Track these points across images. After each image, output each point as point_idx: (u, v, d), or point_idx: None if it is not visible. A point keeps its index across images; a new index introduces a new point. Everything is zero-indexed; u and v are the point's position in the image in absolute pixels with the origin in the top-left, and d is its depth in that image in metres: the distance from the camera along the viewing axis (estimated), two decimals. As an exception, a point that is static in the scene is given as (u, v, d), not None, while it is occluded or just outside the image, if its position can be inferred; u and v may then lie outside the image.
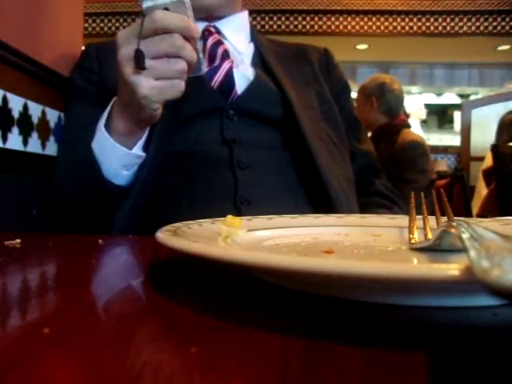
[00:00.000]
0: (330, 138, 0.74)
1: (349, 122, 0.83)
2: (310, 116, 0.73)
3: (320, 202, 0.67)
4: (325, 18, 4.17)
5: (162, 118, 0.61)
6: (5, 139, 0.65)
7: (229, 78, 0.70)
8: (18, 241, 0.39)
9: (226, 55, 0.72)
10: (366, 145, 0.86)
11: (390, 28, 4.26)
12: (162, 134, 0.64)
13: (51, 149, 0.76)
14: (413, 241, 0.33)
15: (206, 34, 0.75)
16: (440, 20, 4.28)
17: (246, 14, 0.83)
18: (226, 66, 0.70)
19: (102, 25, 4.10)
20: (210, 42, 0.74)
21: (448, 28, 4.30)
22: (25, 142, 0.69)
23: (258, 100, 0.71)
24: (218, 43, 0.74)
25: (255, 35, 0.83)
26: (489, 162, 2.29)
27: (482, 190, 2.46)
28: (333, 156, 0.72)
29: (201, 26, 0.74)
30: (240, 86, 0.70)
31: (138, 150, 0.60)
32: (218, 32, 0.77)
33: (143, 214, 0.63)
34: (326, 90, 0.80)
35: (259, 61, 0.77)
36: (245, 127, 0.69)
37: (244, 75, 0.72)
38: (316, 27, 4.12)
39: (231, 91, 0.69)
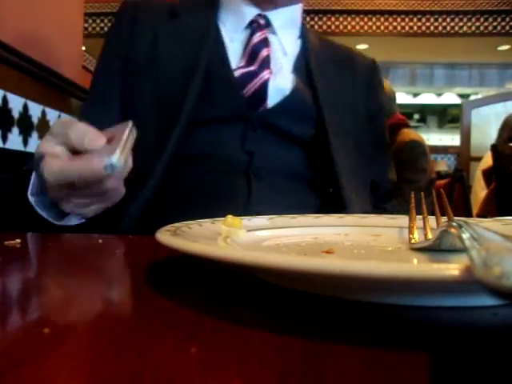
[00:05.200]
0: (358, 171, 0.69)
1: (378, 147, 0.78)
2: (343, 144, 0.68)
3: None
4: (325, 18, 4.18)
5: (181, 119, 0.59)
6: (5, 139, 0.65)
7: (262, 90, 0.65)
8: (18, 241, 0.38)
9: (266, 63, 0.67)
10: (391, 173, 0.80)
11: (390, 28, 4.26)
12: (183, 134, 0.62)
13: (51, 149, 0.76)
14: (413, 241, 0.33)
15: (253, 25, 0.69)
16: (440, 20, 4.29)
17: (300, 7, 0.76)
18: (263, 76, 0.65)
19: (102, 25, 4.11)
20: (256, 38, 0.68)
21: (448, 28, 4.30)
22: (25, 142, 0.69)
23: (288, 117, 0.66)
24: (264, 43, 0.68)
25: (305, 32, 0.76)
26: (488, 161, 2.29)
27: (478, 191, 2.45)
28: (358, 188, 0.68)
29: (251, 14, 0.70)
30: (272, 98, 0.65)
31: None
32: (268, 25, 0.71)
33: (151, 215, 0.61)
34: (363, 108, 0.75)
35: (302, 66, 0.72)
36: (268, 142, 0.65)
37: (279, 88, 0.66)
38: (316, 27, 4.12)
39: (261, 103, 0.65)
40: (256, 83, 0.65)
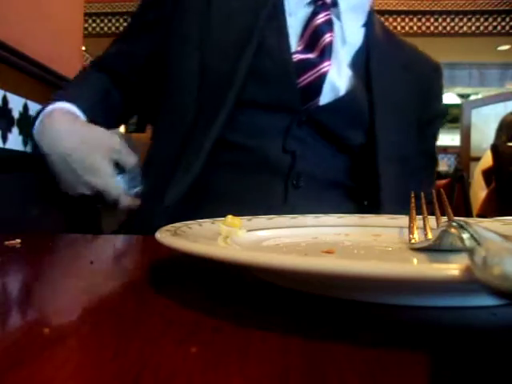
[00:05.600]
0: (401, 184, 0.62)
1: (426, 159, 0.71)
2: (390, 155, 0.61)
3: None
4: (325, 18, 4.16)
5: (229, 98, 0.52)
6: (5, 139, 0.65)
7: (318, 83, 0.57)
8: (18, 241, 0.38)
9: (328, 52, 0.58)
10: (431, 186, 0.74)
11: (390, 28, 4.25)
12: (229, 116, 0.55)
13: (51, 149, 0.76)
14: (413, 241, 0.33)
15: (318, 3, 0.60)
16: (440, 20, 4.29)
17: None
18: (323, 67, 0.57)
19: (102, 25, 4.11)
20: (320, 19, 0.59)
21: (448, 28, 4.30)
22: (25, 142, 0.69)
23: (340, 118, 0.59)
24: (328, 26, 0.59)
25: (373, 18, 0.67)
26: (487, 162, 2.28)
27: (477, 191, 2.44)
28: (398, 202, 0.61)
29: None
30: (325, 95, 0.58)
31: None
32: (335, 4, 0.61)
33: (182, 211, 0.54)
34: (416, 115, 0.67)
35: (362, 60, 0.63)
36: (312, 142, 0.59)
37: (335, 85, 0.59)
38: (316, 27, 4.12)
39: (314, 98, 0.58)
40: (313, 74, 0.57)
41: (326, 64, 0.58)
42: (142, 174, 0.55)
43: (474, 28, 4.26)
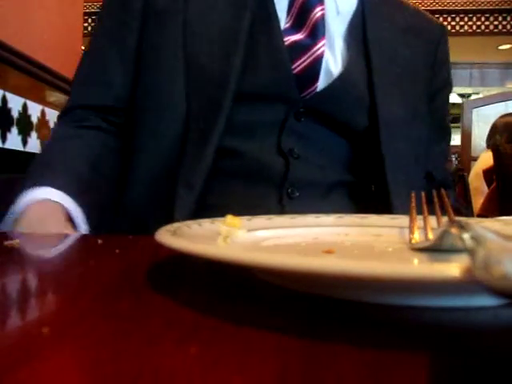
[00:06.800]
0: (412, 166, 0.57)
1: (437, 131, 0.64)
2: (397, 135, 0.55)
3: None
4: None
5: (227, 98, 0.47)
6: (4, 139, 0.65)
7: (315, 68, 0.51)
8: (18, 241, 0.38)
9: (320, 29, 0.51)
10: (449, 162, 0.68)
11: (391, 27, 4.25)
12: (227, 120, 0.49)
13: (51, 148, 0.76)
14: (413, 241, 0.33)
15: None
16: (441, 19, 4.28)
17: None
18: (317, 49, 0.51)
19: (102, 24, 4.10)
20: None
21: (449, 27, 4.30)
22: (24, 142, 0.69)
23: (340, 102, 0.53)
24: None
25: None
26: (485, 162, 2.28)
27: (474, 193, 2.43)
28: (410, 186, 0.55)
29: None
30: (322, 80, 0.52)
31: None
32: None
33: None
34: (424, 85, 0.60)
35: (357, 28, 0.56)
36: (311, 135, 0.53)
37: (331, 68, 0.53)
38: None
39: (311, 85, 0.51)
40: (310, 57, 0.51)
41: (320, 45, 0.51)
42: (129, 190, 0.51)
43: (475, 27, 4.26)
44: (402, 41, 0.59)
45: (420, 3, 4.18)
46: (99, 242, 0.41)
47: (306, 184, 0.53)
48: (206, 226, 0.33)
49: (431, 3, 4.18)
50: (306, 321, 0.19)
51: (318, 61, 0.51)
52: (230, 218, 0.34)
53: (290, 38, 0.51)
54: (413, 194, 0.40)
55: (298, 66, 0.50)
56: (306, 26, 0.52)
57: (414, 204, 0.38)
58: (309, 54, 0.51)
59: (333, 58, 0.54)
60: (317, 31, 0.52)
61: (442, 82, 0.65)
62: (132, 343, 0.16)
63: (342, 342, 0.17)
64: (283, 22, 0.52)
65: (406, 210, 0.49)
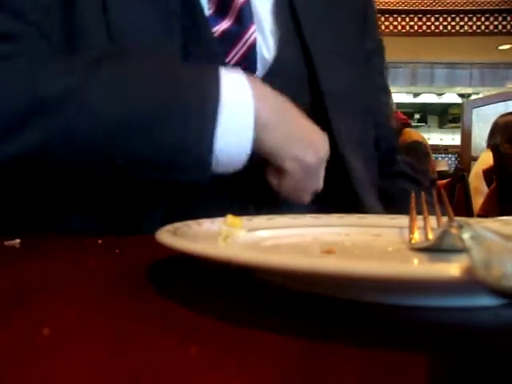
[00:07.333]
0: (366, 140, 0.55)
1: (377, 93, 0.63)
2: (344, 107, 0.52)
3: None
4: (325, 18, 4.16)
5: None
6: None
7: (250, 57, 0.48)
8: (18, 241, 0.38)
9: (247, 11, 0.48)
10: (391, 120, 0.67)
11: (391, 27, 4.26)
12: None
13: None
14: (413, 241, 0.33)
15: None
16: (441, 19, 4.29)
17: None
18: (250, 35, 0.47)
19: (102, 24, 4.11)
20: None
21: (449, 27, 4.30)
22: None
23: (281, 86, 0.46)
24: None
25: None
26: (485, 162, 2.29)
27: (473, 194, 2.43)
28: (367, 164, 0.54)
29: None
30: (260, 67, 0.49)
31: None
32: None
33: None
34: (359, 49, 0.58)
35: (286, 4, 0.52)
36: None
37: (264, 54, 0.50)
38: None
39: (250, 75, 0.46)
40: (242, 47, 0.47)
41: (251, 31, 0.47)
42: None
43: (474, 27, 4.26)
44: (330, 4, 0.56)
45: (420, 3, 4.18)
46: (99, 242, 0.41)
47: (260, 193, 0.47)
48: (206, 225, 0.33)
49: (431, 3, 4.19)
50: (306, 321, 0.19)
51: (252, 49, 0.47)
52: (230, 217, 0.34)
53: (219, 28, 0.47)
54: (413, 194, 0.40)
55: (233, 58, 0.47)
56: (230, 10, 0.47)
57: (413, 204, 0.38)
58: (241, 43, 0.47)
59: (264, 43, 0.50)
60: (244, 15, 0.48)
61: (375, 41, 0.64)
62: (132, 343, 0.16)
63: (342, 342, 0.17)
64: (206, 9, 0.48)
65: (367, 188, 0.51)
